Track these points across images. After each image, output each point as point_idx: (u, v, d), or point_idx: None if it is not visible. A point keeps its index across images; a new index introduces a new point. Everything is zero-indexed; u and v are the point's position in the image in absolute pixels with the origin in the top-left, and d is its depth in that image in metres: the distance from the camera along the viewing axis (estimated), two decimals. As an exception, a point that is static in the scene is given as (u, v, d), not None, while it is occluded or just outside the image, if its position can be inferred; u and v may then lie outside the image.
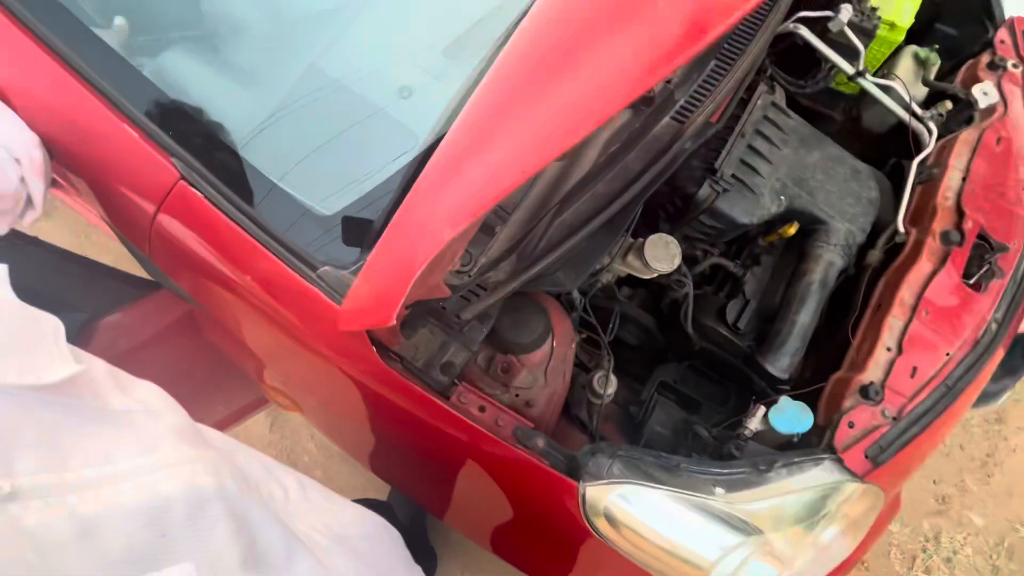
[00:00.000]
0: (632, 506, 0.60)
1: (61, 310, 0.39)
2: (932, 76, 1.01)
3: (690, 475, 0.62)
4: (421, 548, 1.39)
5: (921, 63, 1.04)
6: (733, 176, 0.79)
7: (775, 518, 0.63)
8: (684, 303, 0.83)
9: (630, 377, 0.92)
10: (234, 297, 0.64)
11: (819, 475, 0.67)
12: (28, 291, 0.38)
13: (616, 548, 0.62)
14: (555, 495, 0.62)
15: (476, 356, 0.70)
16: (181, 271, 0.65)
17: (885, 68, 1.05)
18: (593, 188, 0.66)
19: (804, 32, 0.95)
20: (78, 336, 0.66)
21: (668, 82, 0.70)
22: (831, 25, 0.92)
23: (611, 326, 0.88)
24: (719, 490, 0.63)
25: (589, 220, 0.64)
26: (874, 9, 0.97)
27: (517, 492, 0.66)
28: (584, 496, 0.60)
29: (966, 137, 0.89)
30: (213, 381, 0.89)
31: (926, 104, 0.99)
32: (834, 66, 0.96)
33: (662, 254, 0.73)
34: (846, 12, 0.92)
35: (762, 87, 0.87)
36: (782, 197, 0.81)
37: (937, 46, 1.05)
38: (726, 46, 0.75)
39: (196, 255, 0.60)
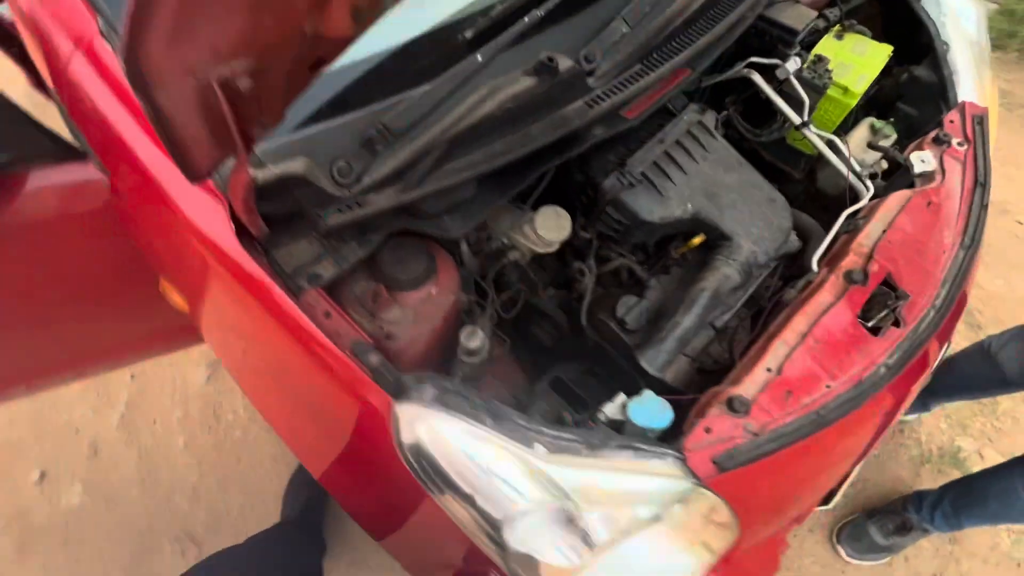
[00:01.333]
0: (441, 439, 0.58)
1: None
2: (886, 145, 1.04)
3: (515, 426, 0.61)
4: (313, 537, 1.34)
5: (875, 132, 1.07)
6: (643, 174, 0.81)
7: (592, 493, 0.60)
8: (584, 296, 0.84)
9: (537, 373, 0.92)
10: (132, 168, 0.68)
11: (652, 465, 0.64)
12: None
13: (421, 481, 0.60)
14: (377, 418, 0.61)
15: (353, 282, 0.72)
16: (90, 126, 0.69)
17: (841, 131, 1.09)
18: (490, 144, 0.70)
19: (755, 77, 1.01)
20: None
21: (588, 62, 0.74)
22: (778, 73, 0.97)
23: (517, 305, 0.89)
24: (539, 447, 0.60)
25: (477, 167, 0.68)
26: (828, 70, 1.02)
27: (343, 411, 0.65)
28: (397, 418, 0.59)
29: (898, 196, 0.90)
30: (114, 296, 0.90)
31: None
32: (785, 117, 1.01)
33: (552, 224, 0.75)
34: (793, 63, 0.97)
35: (692, 105, 0.91)
36: (689, 204, 0.82)
37: (893, 119, 1.08)
38: (654, 54, 0.80)
39: (104, 112, 0.66)
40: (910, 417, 1.54)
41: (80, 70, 0.67)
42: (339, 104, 0.67)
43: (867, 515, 1.40)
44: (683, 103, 0.94)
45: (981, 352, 1.26)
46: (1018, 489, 1.12)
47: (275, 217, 0.65)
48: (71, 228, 0.78)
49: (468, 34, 0.70)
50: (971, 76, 1.02)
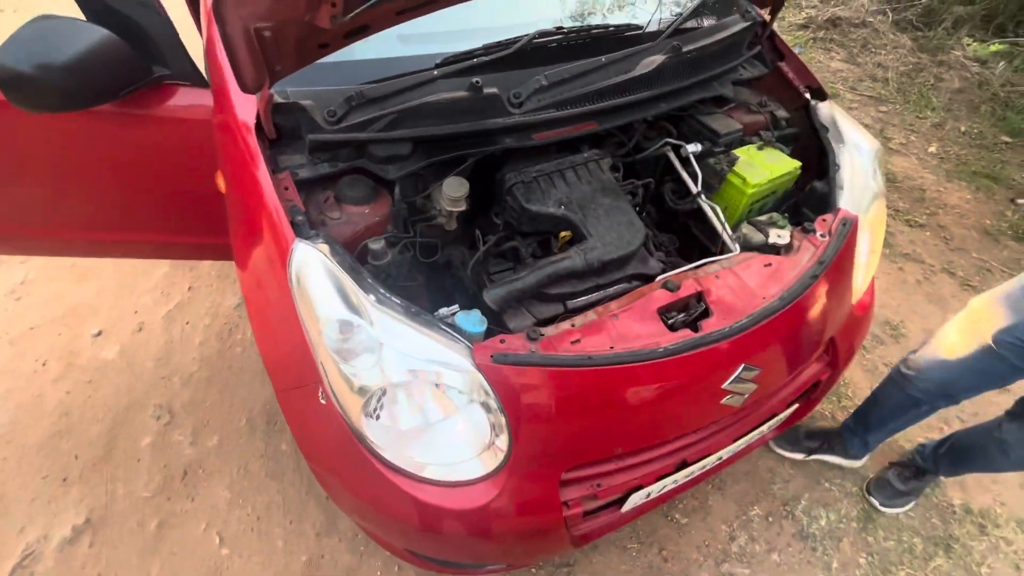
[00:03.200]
0: (311, 263, 0.89)
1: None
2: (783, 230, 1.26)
3: (364, 281, 0.90)
4: None
5: (773, 220, 1.29)
6: (535, 177, 1.13)
7: (395, 336, 0.86)
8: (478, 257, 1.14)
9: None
10: (220, 89, 1.13)
11: (446, 341, 0.89)
12: None
13: (292, 293, 0.90)
14: (284, 251, 0.93)
15: (318, 189, 1.09)
16: (211, 64, 1.17)
17: (747, 217, 1.33)
18: (427, 125, 1.06)
19: (670, 152, 1.31)
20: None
21: (515, 96, 1.09)
22: (681, 151, 1.27)
23: (437, 255, 1.19)
24: (373, 298, 0.89)
25: (414, 134, 1.04)
26: (732, 163, 1.29)
27: (273, 249, 0.97)
28: (293, 248, 0.91)
29: (746, 254, 1.12)
30: (196, 182, 1.34)
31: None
32: (688, 188, 1.28)
33: (455, 186, 1.07)
34: (695, 147, 1.27)
35: (594, 150, 1.23)
36: (563, 207, 1.11)
37: (787, 213, 1.30)
38: (568, 106, 1.14)
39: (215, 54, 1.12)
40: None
41: (210, 29, 1.18)
42: (343, 76, 1.08)
43: (887, 467, 1.69)
44: (594, 153, 1.25)
45: (895, 379, 1.51)
46: (991, 448, 1.40)
47: (283, 129, 1.05)
48: (191, 127, 1.24)
49: (437, 61, 1.10)
50: (849, 192, 1.23)
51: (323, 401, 0.95)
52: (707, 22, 1.37)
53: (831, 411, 1.88)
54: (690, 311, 1.00)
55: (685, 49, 1.19)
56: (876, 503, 1.65)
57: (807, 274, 1.08)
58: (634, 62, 1.17)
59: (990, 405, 1.79)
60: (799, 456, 1.72)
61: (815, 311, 1.10)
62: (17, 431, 1.68)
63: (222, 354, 1.91)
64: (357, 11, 0.81)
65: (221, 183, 1.24)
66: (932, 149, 3.18)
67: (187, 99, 1.22)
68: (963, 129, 3.30)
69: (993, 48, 3.67)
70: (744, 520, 1.61)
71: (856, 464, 1.72)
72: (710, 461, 1.14)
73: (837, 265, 1.13)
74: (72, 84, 1.02)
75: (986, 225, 2.69)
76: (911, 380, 1.44)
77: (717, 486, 1.67)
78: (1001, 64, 3.54)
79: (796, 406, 1.28)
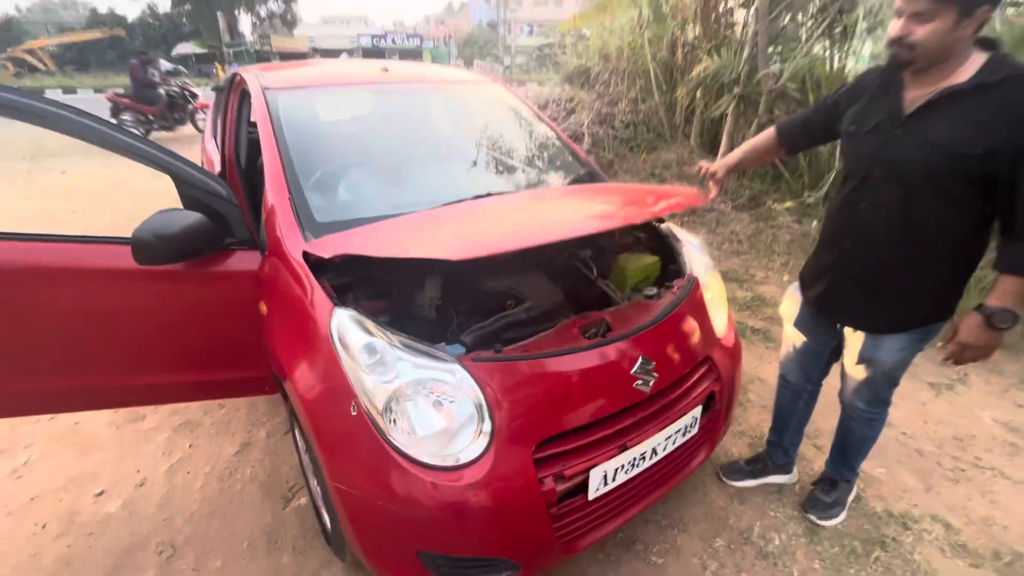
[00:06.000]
0: (345, 324, 1.36)
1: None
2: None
3: (383, 325, 1.37)
4: None
5: (651, 288, 1.90)
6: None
7: (406, 355, 1.31)
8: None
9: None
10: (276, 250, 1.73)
11: (443, 357, 1.34)
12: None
13: (332, 344, 1.34)
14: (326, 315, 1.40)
15: (348, 294, 1.60)
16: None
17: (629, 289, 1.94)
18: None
19: (584, 253, 1.97)
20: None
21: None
22: (581, 253, 1.95)
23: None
24: (388, 332, 1.35)
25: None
26: (616, 258, 1.96)
27: (316, 323, 1.43)
28: (334, 314, 1.38)
29: (632, 301, 1.69)
30: (245, 319, 1.85)
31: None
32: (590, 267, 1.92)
33: (433, 290, 1.64)
34: (587, 251, 1.95)
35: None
36: (510, 284, 1.68)
37: (655, 287, 1.94)
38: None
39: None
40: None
41: (265, 200, 1.82)
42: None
43: (812, 487, 2.04)
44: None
45: (779, 385, 1.99)
46: (847, 423, 1.85)
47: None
48: (238, 280, 1.77)
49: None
50: (690, 266, 1.89)
51: (354, 413, 1.31)
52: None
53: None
54: (599, 328, 1.51)
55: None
56: (814, 519, 1.92)
57: (670, 305, 1.65)
58: None
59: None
60: (748, 483, 2.06)
61: (682, 327, 1.64)
62: (12, 588, 1.69)
63: (222, 492, 2.07)
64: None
65: (263, 307, 1.72)
66: (785, 278, 4.17)
67: (240, 261, 1.78)
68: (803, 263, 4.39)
69: (786, 205, 5.12)
70: (711, 551, 1.81)
71: (791, 479, 2.07)
72: (647, 449, 1.49)
73: (689, 301, 1.72)
74: (171, 248, 1.56)
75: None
76: (785, 378, 1.94)
77: (680, 527, 1.90)
78: (806, 218, 4.92)
79: (701, 411, 1.69)
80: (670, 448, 1.58)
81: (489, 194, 1.93)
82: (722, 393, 1.75)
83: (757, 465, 2.08)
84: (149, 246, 1.54)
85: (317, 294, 1.47)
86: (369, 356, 1.31)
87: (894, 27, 1.33)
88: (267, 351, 1.66)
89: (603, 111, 7.21)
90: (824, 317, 1.75)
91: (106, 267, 1.60)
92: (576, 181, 2.28)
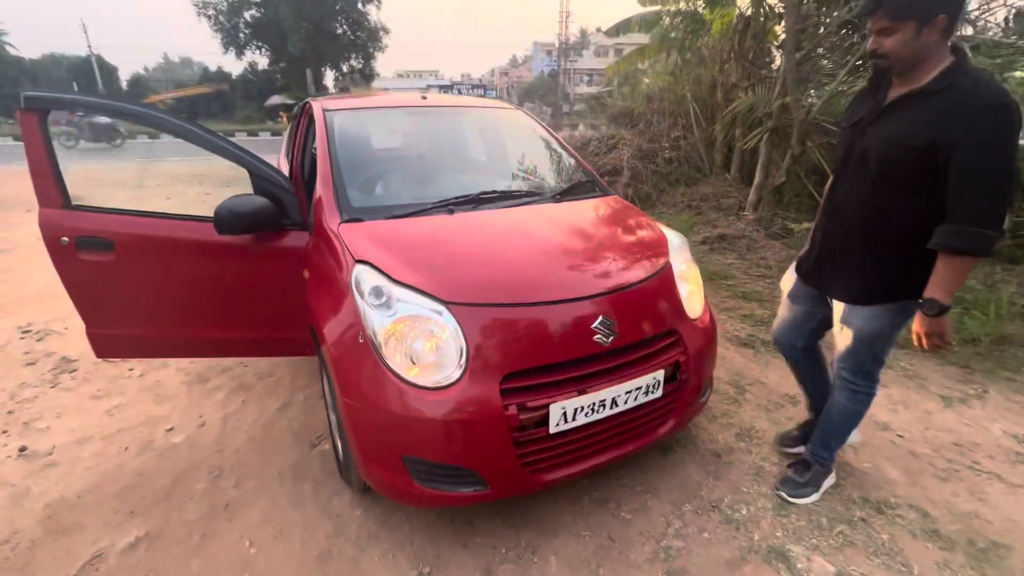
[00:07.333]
0: (365, 278, 1.73)
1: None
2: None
3: (386, 275, 1.72)
4: None
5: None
6: None
7: (404, 294, 1.65)
8: None
9: None
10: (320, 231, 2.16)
11: (430, 296, 1.67)
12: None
13: (351, 289, 1.71)
14: (346, 269, 1.78)
15: None
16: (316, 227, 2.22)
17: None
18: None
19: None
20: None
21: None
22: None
23: None
24: (389, 278, 1.70)
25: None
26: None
27: (340, 274, 1.81)
28: (353, 267, 1.76)
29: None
30: (289, 286, 2.30)
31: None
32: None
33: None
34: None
35: None
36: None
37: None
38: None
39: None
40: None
41: (313, 192, 2.26)
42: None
43: (787, 466, 2.16)
44: None
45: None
46: (837, 403, 1.95)
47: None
48: (294, 256, 2.21)
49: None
50: (671, 257, 2.12)
51: (361, 341, 1.65)
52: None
53: (746, 447, 2.35)
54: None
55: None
56: (785, 495, 2.02)
57: (638, 280, 1.90)
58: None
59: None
60: (802, 449, 2.24)
61: (648, 299, 1.88)
62: (101, 485, 2.13)
63: (265, 436, 2.46)
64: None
65: (306, 274, 2.14)
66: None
67: (293, 239, 2.22)
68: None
69: (805, 226, 5.16)
70: (679, 514, 1.96)
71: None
72: (607, 397, 1.72)
73: (659, 280, 1.95)
74: (242, 222, 2.03)
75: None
76: (777, 341, 2.14)
77: (653, 493, 2.06)
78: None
79: (666, 377, 1.88)
80: (632, 404, 1.79)
81: (495, 192, 2.28)
82: (687, 364, 1.93)
83: (807, 429, 2.23)
84: (225, 220, 2.01)
85: (345, 256, 1.86)
86: (376, 297, 1.66)
87: (869, 43, 1.60)
88: (306, 309, 2.06)
89: (644, 147, 7.55)
90: (810, 287, 1.96)
91: (199, 240, 2.10)
92: (577, 187, 2.60)
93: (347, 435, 1.76)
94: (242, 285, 2.21)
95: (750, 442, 2.38)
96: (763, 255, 5.11)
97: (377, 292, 1.67)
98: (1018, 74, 4.29)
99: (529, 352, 1.66)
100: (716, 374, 2.92)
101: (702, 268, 4.22)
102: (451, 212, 2.09)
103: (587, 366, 1.72)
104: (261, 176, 2.12)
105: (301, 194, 2.52)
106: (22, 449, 2.36)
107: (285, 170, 3.50)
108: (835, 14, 4.98)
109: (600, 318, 1.73)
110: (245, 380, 2.95)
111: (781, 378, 2.92)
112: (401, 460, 1.62)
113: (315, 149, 2.47)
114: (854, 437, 2.13)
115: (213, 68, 39.72)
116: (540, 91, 50.03)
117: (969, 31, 4.48)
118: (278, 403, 2.72)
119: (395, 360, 1.61)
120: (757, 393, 2.78)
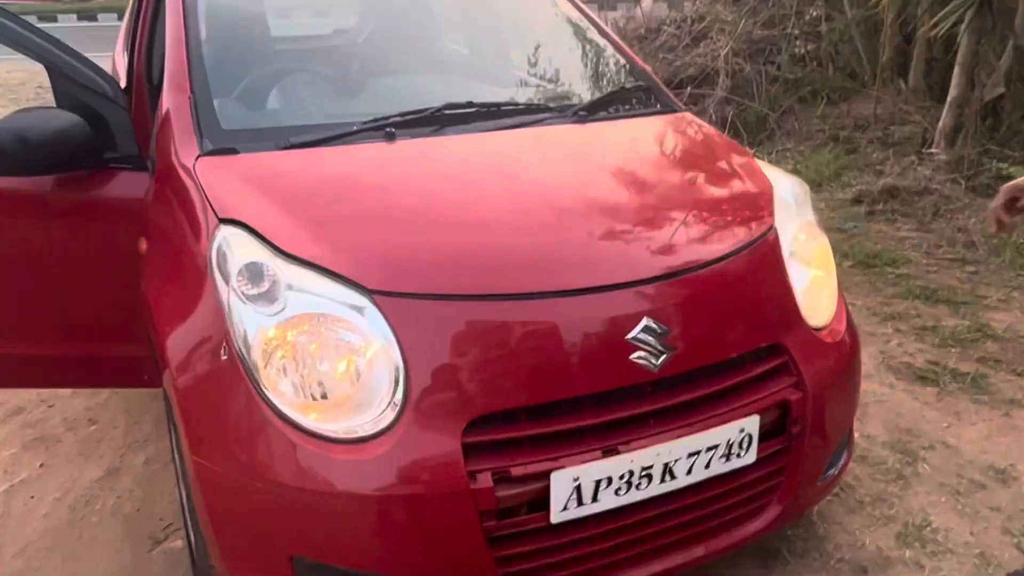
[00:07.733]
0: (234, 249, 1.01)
1: None
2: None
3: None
4: None
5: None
6: None
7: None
8: None
9: None
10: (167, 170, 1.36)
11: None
12: None
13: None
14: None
15: None
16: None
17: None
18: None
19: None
20: None
21: None
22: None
23: None
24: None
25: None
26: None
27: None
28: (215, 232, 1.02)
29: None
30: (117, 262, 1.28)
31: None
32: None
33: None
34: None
35: None
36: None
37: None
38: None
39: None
40: None
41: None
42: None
43: None
44: None
45: None
46: None
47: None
48: (125, 215, 1.31)
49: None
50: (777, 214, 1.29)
51: (224, 357, 0.91)
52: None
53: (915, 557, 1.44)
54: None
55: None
56: None
57: (715, 255, 1.12)
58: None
59: None
60: None
61: (732, 290, 1.13)
62: None
63: (72, 524, 1.54)
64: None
65: (143, 245, 1.29)
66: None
67: (123, 185, 1.34)
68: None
69: None
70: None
71: None
72: (654, 462, 0.97)
73: (752, 254, 1.16)
74: (39, 156, 1.19)
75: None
76: None
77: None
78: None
79: (762, 428, 1.07)
80: (701, 475, 1.03)
81: (470, 104, 1.43)
82: (804, 407, 1.11)
83: None
84: (8, 151, 1.18)
85: (204, 211, 1.08)
86: (252, 282, 0.94)
87: None
88: (142, 306, 1.23)
89: (756, 36, 4.61)
90: None
91: None
92: (618, 97, 1.66)
93: (200, 522, 1.00)
94: (38, 265, 1.36)
95: (922, 550, 1.47)
96: (961, 224, 3.19)
97: (254, 273, 0.95)
98: None
99: (517, 381, 0.94)
100: (863, 427, 1.89)
101: (855, 243, 3.01)
102: (391, 138, 1.27)
103: (620, 406, 0.99)
104: (69, 78, 1.27)
105: (144, 112, 1.62)
106: None
107: (121, 72, 2.17)
108: None
109: (643, 322, 1.00)
110: (47, 430, 1.94)
111: (985, 438, 1.90)
112: (291, 566, 0.88)
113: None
114: None
115: None
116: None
117: None
118: (99, 469, 1.76)
119: (282, 391, 0.89)
120: (939, 463, 1.79)
